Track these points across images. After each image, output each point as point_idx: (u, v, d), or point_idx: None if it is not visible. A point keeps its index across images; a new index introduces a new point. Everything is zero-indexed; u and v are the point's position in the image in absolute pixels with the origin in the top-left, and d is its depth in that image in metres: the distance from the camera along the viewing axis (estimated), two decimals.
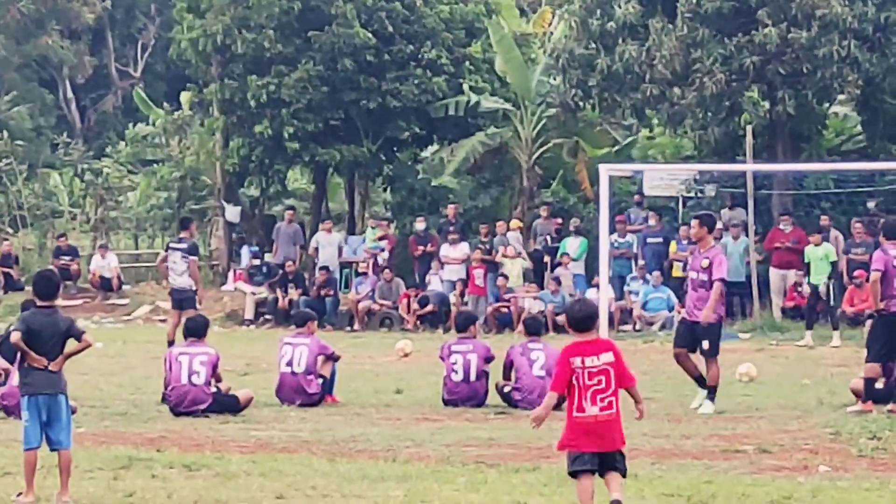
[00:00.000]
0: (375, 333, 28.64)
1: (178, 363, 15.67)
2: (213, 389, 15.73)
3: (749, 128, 27.99)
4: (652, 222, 29.65)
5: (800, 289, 27.12)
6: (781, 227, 27.95)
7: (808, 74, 27.47)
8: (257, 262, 32.53)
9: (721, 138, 28.84)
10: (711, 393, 15.81)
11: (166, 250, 21.57)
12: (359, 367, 20.81)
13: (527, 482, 10.85)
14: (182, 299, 20.54)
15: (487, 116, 33.74)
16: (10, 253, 34.02)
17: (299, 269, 31.88)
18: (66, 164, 44.59)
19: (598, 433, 9.04)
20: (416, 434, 13.89)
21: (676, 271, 28.00)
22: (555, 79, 31.83)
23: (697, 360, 15.97)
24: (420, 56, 32.87)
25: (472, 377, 16.42)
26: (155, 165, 40.30)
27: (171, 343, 18.95)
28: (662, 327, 27.12)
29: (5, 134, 40.48)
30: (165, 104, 40.69)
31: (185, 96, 38.38)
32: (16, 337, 10.33)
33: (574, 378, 9.08)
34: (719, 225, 27.71)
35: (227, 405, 15.67)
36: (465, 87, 33.52)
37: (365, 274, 30.70)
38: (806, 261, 26.21)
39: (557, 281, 28.61)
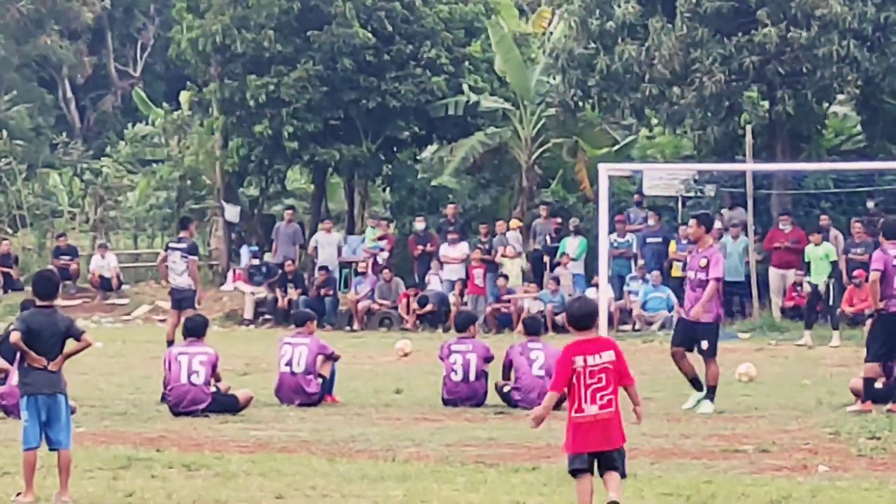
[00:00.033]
0: (375, 333, 28.64)
1: (177, 363, 15.68)
2: (213, 389, 15.74)
3: (748, 127, 28.00)
4: (651, 222, 29.66)
5: (799, 288, 27.13)
6: (781, 226, 27.96)
7: (807, 74, 27.48)
8: (257, 261, 32.53)
9: (720, 138, 28.83)
10: (711, 393, 15.82)
11: (166, 250, 21.56)
12: (358, 366, 20.82)
13: (526, 482, 10.85)
14: (181, 299, 20.53)
15: (487, 116, 33.74)
16: (9, 253, 34.01)
17: (299, 268, 31.88)
18: (65, 164, 44.63)
19: (597, 432, 9.02)
20: (416, 434, 13.89)
21: (676, 271, 27.99)
22: (554, 78, 31.83)
23: (695, 360, 15.97)
24: (419, 56, 32.87)
25: (472, 377, 16.43)
26: (154, 165, 40.31)
27: (170, 343, 18.95)
28: (662, 327, 27.10)
29: (5, 134, 40.49)
30: (165, 104, 40.69)
31: (184, 96, 38.39)
32: (15, 337, 10.33)
33: (575, 377, 9.07)
34: (718, 225, 27.76)
35: (227, 405, 15.67)
36: (465, 86, 33.53)
37: (364, 274, 30.69)
38: (806, 260, 26.22)
39: (557, 281, 28.61)
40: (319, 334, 18.07)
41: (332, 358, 16.88)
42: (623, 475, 9.17)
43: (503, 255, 29.82)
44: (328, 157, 32.90)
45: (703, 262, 15.84)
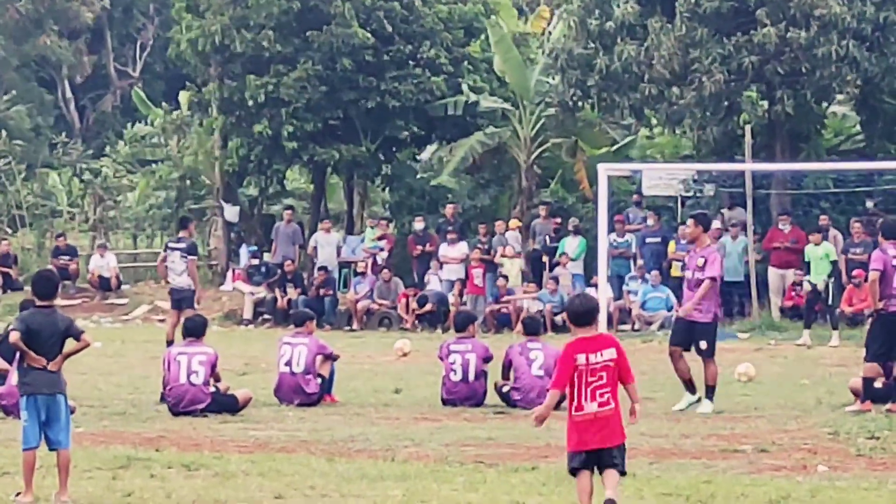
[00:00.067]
0: (374, 333, 28.64)
1: (176, 363, 15.67)
2: (212, 389, 15.74)
3: (748, 127, 27.99)
4: (650, 222, 29.66)
5: (798, 288, 27.13)
6: (780, 226, 27.97)
7: (806, 74, 27.48)
8: (256, 261, 32.52)
9: (720, 138, 28.83)
10: (710, 392, 15.82)
11: (165, 250, 21.56)
12: (357, 366, 20.81)
13: (525, 482, 10.84)
14: (181, 299, 20.51)
15: (486, 116, 33.74)
16: (8, 253, 34.00)
17: (298, 268, 31.87)
18: (64, 164, 44.61)
19: (596, 429, 9.01)
20: (415, 434, 13.89)
21: (675, 271, 27.96)
22: (553, 78, 31.84)
23: (694, 361, 15.96)
24: (419, 55, 32.88)
25: (471, 377, 16.43)
26: (154, 165, 40.30)
27: (170, 343, 18.92)
28: (661, 327, 27.08)
29: (4, 133, 40.48)
30: (164, 104, 40.67)
31: (183, 96, 38.38)
32: (15, 337, 10.33)
33: (576, 375, 9.04)
34: (718, 225, 27.78)
35: (226, 405, 15.67)
36: (464, 86, 33.53)
37: (364, 273, 30.69)
38: (806, 259, 26.23)
39: (556, 280, 28.60)
40: (319, 334, 18.07)
41: (331, 358, 16.89)
42: (623, 472, 9.15)
43: (502, 255, 29.82)
44: (327, 157, 32.90)
45: (701, 261, 15.85)
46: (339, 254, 32.48)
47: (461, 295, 29.49)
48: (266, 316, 30.85)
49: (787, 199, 29.46)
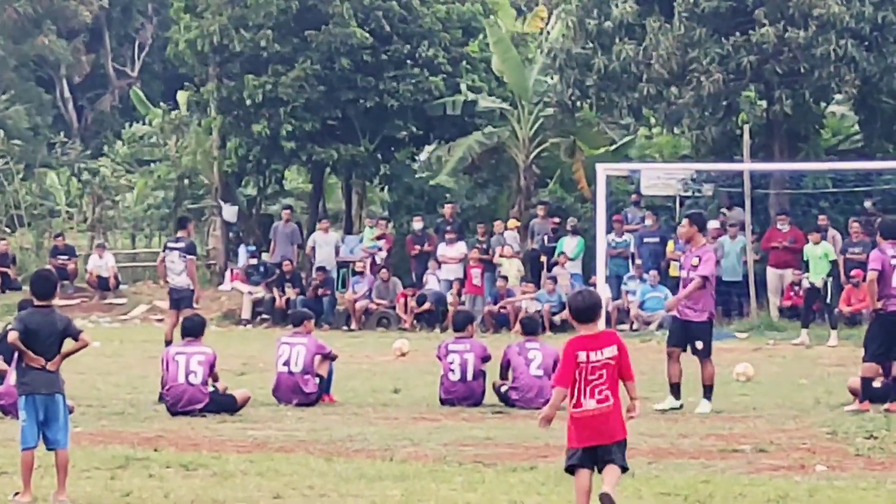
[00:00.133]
0: (372, 333, 28.62)
1: (174, 363, 15.67)
2: (210, 389, 15.73)
3: (746, 127, 28.00)
4: (649, 222, 29.65)
5: (797, 288, 27.13)
6: (779, 226, 27.96)
7: (805, 74, 27.48)
8: (254, 261, 32.51)
9: (718, 138, 28.84)
10: (708, 392, 15.83)
11: (164, 250, 21.55)
12: (356, 366, 20.82)
13: (524, 481, 10.84)
14: (180, 299, 20.50)
15: (485, 116, 33.76)
16: (6, 252, 34.01)
17: (296, 268, 31.85)
18: (63, 164, 44.61)
19: (596, 426, 8.97)
20: (414, 433, 13.89)
21: (674, 271, 27.92)
22: (552, 78, 31.84)
23: (692, 361, 15.96)
24: (417, 55, 32.88)
25: (470, 376, 16.43)
26: (152, 165, 40.33)
27: (168, 343, 18.92)
28: (660, 327, 27.06)
29: (2, 133, 40.52)
30: (162, 104, 40.70)
31: (182, 96, 38.39)
32: (13, 336, 10.32)
33: (577, 372, 9.00)
34: (717, 224, 27.78)
35: (224, 405, 15.67)
36: (463, 86, 33.54)
37: (362, 273, 30.68)
38: (805, 259, 26.22)
39: (554, 280, 28.59)
40: (317, 334, 18.07)
41: (329, 357, 16.88)
42: (624, 468, 9.09)
43: (501, 255, 29.82)
44: (326, 157, 32.91)
45: (696, 261, 15.86)
46: (337, 253, 32.48)
47: (459, 295, 29.48)
48: (264, 316, 30.83)
49: (786, 199, 29.46)
